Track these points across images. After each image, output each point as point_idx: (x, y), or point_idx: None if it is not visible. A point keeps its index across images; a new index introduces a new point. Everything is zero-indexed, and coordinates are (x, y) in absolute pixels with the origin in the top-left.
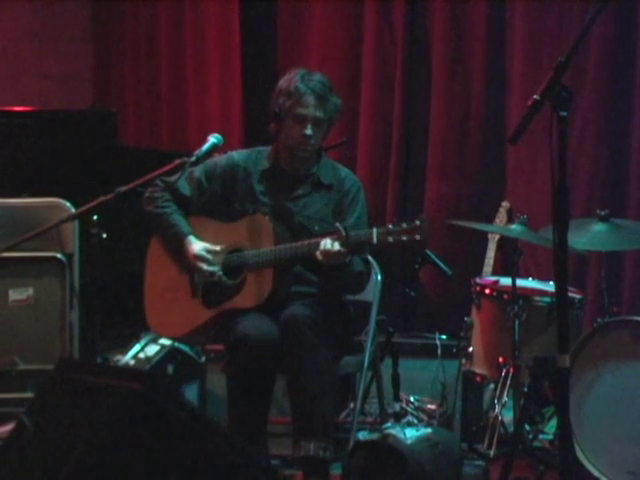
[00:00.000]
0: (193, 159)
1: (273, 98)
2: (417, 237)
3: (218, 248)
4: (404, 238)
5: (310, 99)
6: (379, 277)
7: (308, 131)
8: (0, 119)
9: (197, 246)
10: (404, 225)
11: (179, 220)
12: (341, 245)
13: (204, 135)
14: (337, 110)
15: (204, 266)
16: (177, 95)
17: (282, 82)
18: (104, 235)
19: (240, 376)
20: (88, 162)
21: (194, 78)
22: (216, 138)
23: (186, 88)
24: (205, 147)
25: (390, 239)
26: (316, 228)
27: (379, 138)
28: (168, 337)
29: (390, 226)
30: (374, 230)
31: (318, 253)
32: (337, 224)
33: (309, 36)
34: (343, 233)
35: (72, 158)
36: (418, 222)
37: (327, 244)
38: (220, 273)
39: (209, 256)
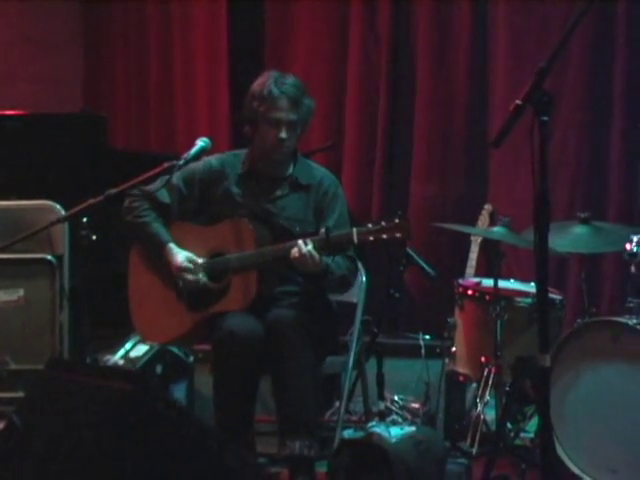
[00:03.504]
0: (182, 162)
1: (247, 102)
2: (397, 235)
3: (200, 260)
4: (384, 236)
5: (284, 103)
6: (364, 278)
7: (283, 134)
8: None
9: (180, 256)
10: (383, 224)
11: (159, 229)
12: (314, 247)
13: (192, 138)
14: (310, 112)
15: (188, 276)
16: (166, 98)
17: (255, 86)
18: (94, 237)
19: (225, 372)
20: (78, 165)
21: (182, 81)
22: (204, 142)
23: (175, 91)
24: (193, 150)
25: (371, 238)
26: (297, 229)
27: (364, 141)
28: (156, 343)
29: (370, 225)
30: (354, 230)
31: (292, 256)
32: (321, 229)
33: (295, 41)
34: (324, 235)
35: (62, 161)
36: (397, 220)
37: (297, 248)
38: (205, 280)
39: (192, 266)
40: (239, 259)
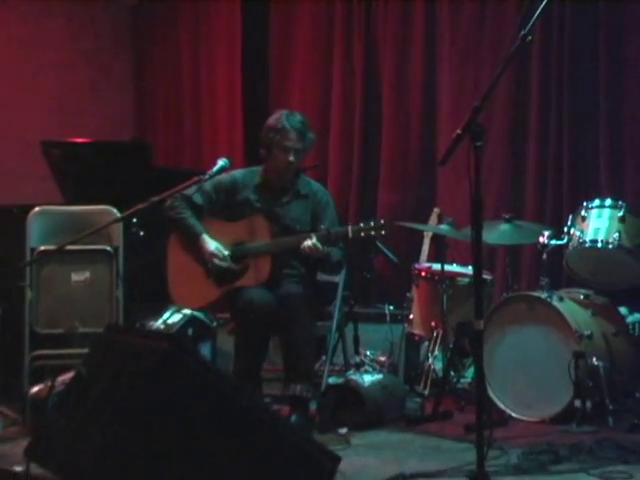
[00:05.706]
0: (206, 177)
1: (264, 132)
2: (383, 232)
3: (226, 252)
4: (372, 233)
5: (293, 135)
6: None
7: (291, 158)
8: (66, 148)
9: (211, 245)
10: (372, 223)
11: (194, 222)
12: (317, 240)
13: (215, 158)
14: (312, 143)
15: (217, 262)
16: (196, 129)
17: (271, 121)
18: (141, 233)
19: (245, 330)
20: (130, 179)
21: (208, 116)
22: (224, 161)
23: (202, 123)
24: (215, 168)
25: (362, 234)
26: (297, 227)
27: (344, 160)
28: (188, 308)
29: (361, 224)
30: (349, 227)
31: (302, 247)
32: (322, 227)
33: (292, 85)
34: (325, 231)
35: (118, 176)
36: (382, 221)
37: (307, 241)
38: (229, 263)
39: (220, 253)
40: (257, 247)
